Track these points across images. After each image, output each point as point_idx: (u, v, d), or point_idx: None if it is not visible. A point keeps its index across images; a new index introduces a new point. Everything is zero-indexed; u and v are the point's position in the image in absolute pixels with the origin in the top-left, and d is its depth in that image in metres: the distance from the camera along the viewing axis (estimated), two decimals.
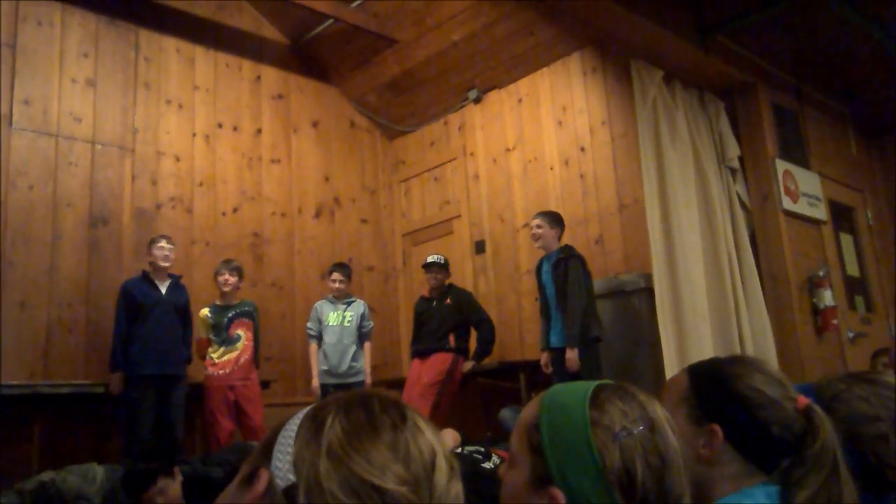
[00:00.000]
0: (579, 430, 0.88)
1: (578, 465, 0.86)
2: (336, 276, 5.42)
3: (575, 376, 4.11)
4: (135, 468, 3.16)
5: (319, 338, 5.35)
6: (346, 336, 5.33)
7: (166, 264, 4.71)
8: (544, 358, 4.58)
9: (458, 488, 0.71)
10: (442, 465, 0.69)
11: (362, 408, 0.70)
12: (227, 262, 5.13)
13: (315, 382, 5.22)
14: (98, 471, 3.55)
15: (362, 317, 5.45)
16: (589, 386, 0.94)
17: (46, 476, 3.45)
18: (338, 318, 5.37)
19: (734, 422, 1.13)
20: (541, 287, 4.67)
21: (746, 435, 1.15)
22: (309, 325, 5.42)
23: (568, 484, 0.86)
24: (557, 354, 4.40)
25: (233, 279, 5.02)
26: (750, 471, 1.16)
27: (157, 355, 4.53)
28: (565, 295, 4.38)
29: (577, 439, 0.88)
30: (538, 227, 4.64)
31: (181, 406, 4.62)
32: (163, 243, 4.72)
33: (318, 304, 5.47)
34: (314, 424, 0.70)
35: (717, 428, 1.15)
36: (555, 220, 4.66)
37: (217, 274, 5.03)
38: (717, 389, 1.18)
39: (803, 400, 1.16)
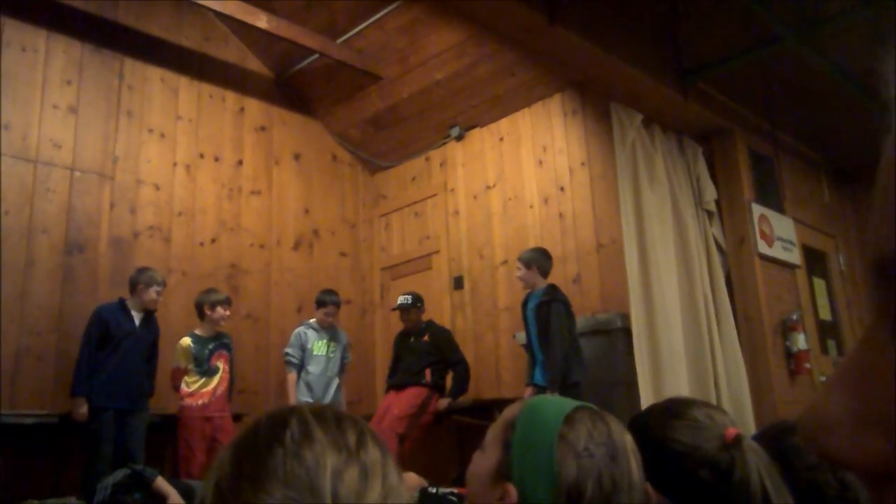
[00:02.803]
0: (546, 439, 0.94)
1: (537, 469, 0.92)
2: (331, 307, 5.34)
3: None
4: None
5: (300, 367, 5.23)
6: (330, 367, 5.25)
7: (155, 307, 4.72)
8: (528, 393, 4.58)
9: (377, 497, 0.65)
10: (347, 475, 0.65)
11: (250, 442, 0.69)
12: (219, 291, 5.09)
13: None
14: (75, 501, 3.48)
15: (345, 348, 5.41)
16: (570, 404, 1.00)
17: None
18: (324, 348, 5.27)
19: (665, 477, 1.10)
20: (525, 323, 4.68)
21: (679, 487, 1.13)
22: (290, 351, 5.23)
23: (523, 483, 0.92)
24: (542, 392, 4.39)
25: (228, 313, 5.00)
26: None
27: (122, 388, 4.43)
28: (547, 338, 4.38)
29: (543, 446, 0.93)
30: (517, 269, 4.69)
31: (142, 439, 4.51)
32: (160, 288, 4.70)
33: (301, 331, 5.31)
34: (215, 461, 0.71)
35: (648, 488, 1.13)
36: (531, 259, 4.65)
37: (214, 305, 4.91)
38: (644, 449, 1.18)
39: (731, 432, 1.13)
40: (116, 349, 4.47)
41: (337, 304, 5.39)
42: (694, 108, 4.86)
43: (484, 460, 1.00)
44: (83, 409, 4.32)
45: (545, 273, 4.64)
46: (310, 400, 5.05)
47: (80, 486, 4.18)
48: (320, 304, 5.37)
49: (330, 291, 5.51)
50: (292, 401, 5.06)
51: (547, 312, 4.41)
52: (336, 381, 5.26)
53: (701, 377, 4.55)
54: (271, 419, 0.71)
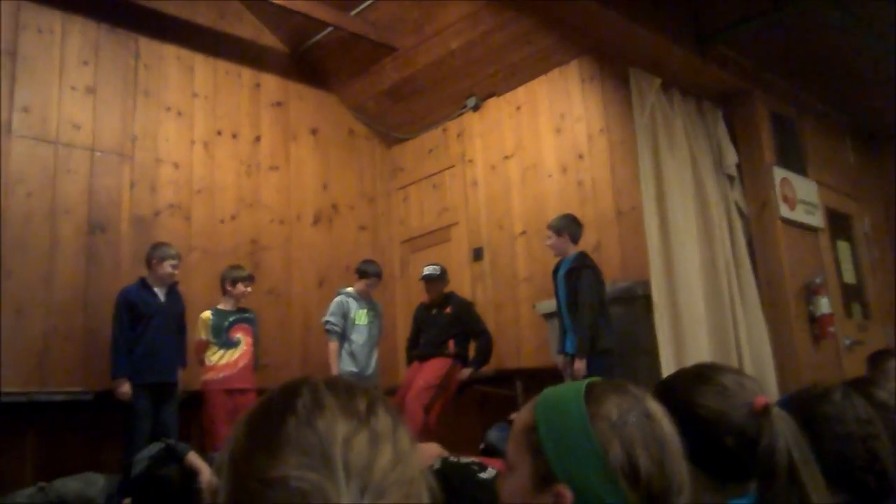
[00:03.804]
0: (578, 425, 0.90)
1: (581, 458, 0.88)
2: (374, 278, 5.37)
3: None
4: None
5: (342, 336, 5.22)
6: (370, 337, 5.30)
7: (172, 280, 4.78)
8: (560, 361, 4.58)
9: (386, 463, 0.65)
10: (356, 441, 0.65)
11: (264, 412, 0.71)
12: (242, 269, 5.16)
13: None
14: (99, 477, 3.56)
15: (381, 318, 5.47)
16: (580, 384, 0.96)
17: (43, 484, 3.46)
18: (365, 318, 5.29)
19: (689, 441, 1.06)
20: (556, 291, 4.67)
21: (704, 453, 1.11)
22: (332, 319, 5.21)
23: (573, 479, 0.88)
24: (573, 360, 4.39)
25: (250, 290, 5.07)
26: (718, 486, 1.15)
27: (156, 363, 4.54)
28: (576, 305, 4.37)
29: (577, 433, 0.89)
30: (548, 237, 4.68)
31: (175, 413, 4.62)
32: (175, 262, 4.74)
33: (343, 300, 5.30)
34: (231, 433, 0.72)
35: None
36: (562, 226, 4.63)
37: (235, 282, 5.00)
38: (670, 412, 1.14)
39: (760, 400, 1.13)
40: (147, 327, 4.57)
41: (380, 276, 5.45)
42: (713, 72, 4.78)
43: (515, 478, 0.94)
44: (125, 388, 4.42)
45: (576, 240, 4.63)
46: (354, 370, 5.10)
47: (121, 461, 4.28)
48: (363, 274, 5.39)
49: (372, 262, 5.55)
50: (334, 371, 5.08)
51: (577, 279, 4.40)
52: (375, 352, 5.31)
53: (723, 344, 4.53)
54: (284, 389, 0.72)
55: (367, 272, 5.38)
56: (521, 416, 0.98)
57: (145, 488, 3.32)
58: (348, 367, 5.14)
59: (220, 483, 0.68)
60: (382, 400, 0.72)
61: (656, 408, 0.94)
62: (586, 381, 0.97)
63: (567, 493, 0.87)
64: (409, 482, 0.66)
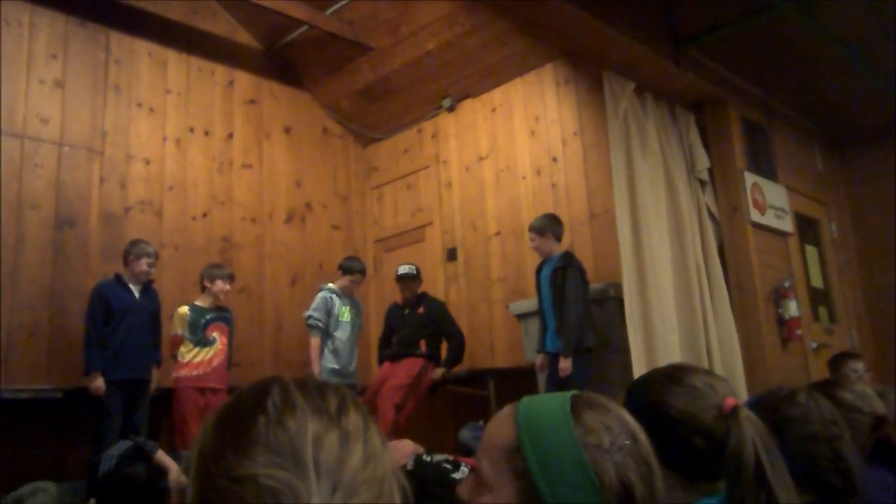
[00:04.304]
0: (570, 452, 0.87)
1: (574, 486, 0.85)
2: (358, 274, 5.35)
3: (565, 382, 4.14)
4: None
5: (325, 332, 5.17)
6: (353, 334, 5.27)
7: (148, 278, 4.72)
8: (539, 360, 4.58)
9: (357, 462, 0.65)
10: (327, 440, 0.65)
11: (233, 411, 0.70)
12: (223, 267, 5.12)
13: None
14: (50, 484, 3.50)
15: (361, 315, 5.46)
16: (563, 402, 0.93)
17: None
18: (348, 315, 5.26)
19: (657, 441, 1.06)
20: (539, 289, 4.67)
21: (673, 452, 1.13)
22: (316, 314, 5.15)
23: None
24: (553, 359, 4.40)
25: (229, 288, 5.03)
26: (688, 485, 1.16)
27: (129, 359, 4.49)
28: (562, 304, 4.38)
29: (570, 461, 0.87)
30: (531, 240, 4.68)
31: (146, 412, 4.57)
32: (151, 259, 4.69)
33: (327, 295, 5.24)
34: (200, 431, 0.71)
35: None
36: (544, 226, 4.63)
37: (213, 278, 4.96)
38: (642, 412, 1.12)
39: (730, 402, 1.14)
40: (121, 323, 4.52)
41: (364, 272, 5.45)
42: (687, 77, 4.83)
43: (494, 498, 0.90)
44: (98, 383, 4.36)
45: (559, 238, 4.64)
46: (337, 367, 5.08)
47: (89, 460, 4.21)
48: (348, 270, 5.34)
49: (356, 259, 5.55)
50: (316, 367, 5.04)
51: (563, 278, 4.41)
52: (356, 350, 5.29)
53: (693, 345, 4.58)
54: (254, 388, 0.71)
55: (352, 269, 5.35)
56: (498, 431, 0.94)
57: (112, 487, 3.27)
58: (331, 363, 5.11)
59: (189, 482, 0.67)
60: (353, 399, 0.72)
61: (635, 425, 0.93)
62: (568, 397, 0.94)
63: None
64: (379, 481, 0.66)
